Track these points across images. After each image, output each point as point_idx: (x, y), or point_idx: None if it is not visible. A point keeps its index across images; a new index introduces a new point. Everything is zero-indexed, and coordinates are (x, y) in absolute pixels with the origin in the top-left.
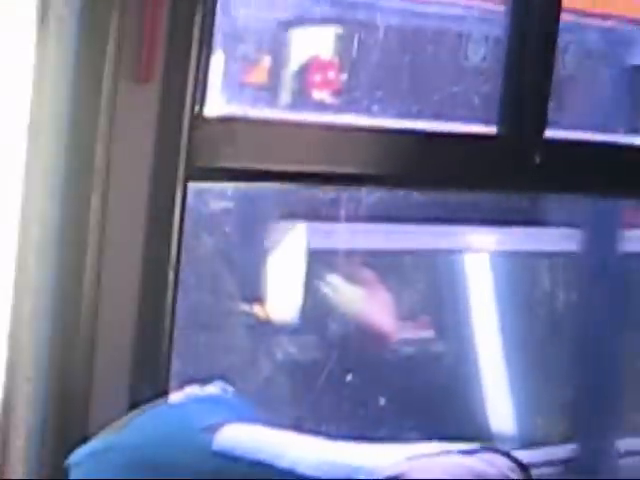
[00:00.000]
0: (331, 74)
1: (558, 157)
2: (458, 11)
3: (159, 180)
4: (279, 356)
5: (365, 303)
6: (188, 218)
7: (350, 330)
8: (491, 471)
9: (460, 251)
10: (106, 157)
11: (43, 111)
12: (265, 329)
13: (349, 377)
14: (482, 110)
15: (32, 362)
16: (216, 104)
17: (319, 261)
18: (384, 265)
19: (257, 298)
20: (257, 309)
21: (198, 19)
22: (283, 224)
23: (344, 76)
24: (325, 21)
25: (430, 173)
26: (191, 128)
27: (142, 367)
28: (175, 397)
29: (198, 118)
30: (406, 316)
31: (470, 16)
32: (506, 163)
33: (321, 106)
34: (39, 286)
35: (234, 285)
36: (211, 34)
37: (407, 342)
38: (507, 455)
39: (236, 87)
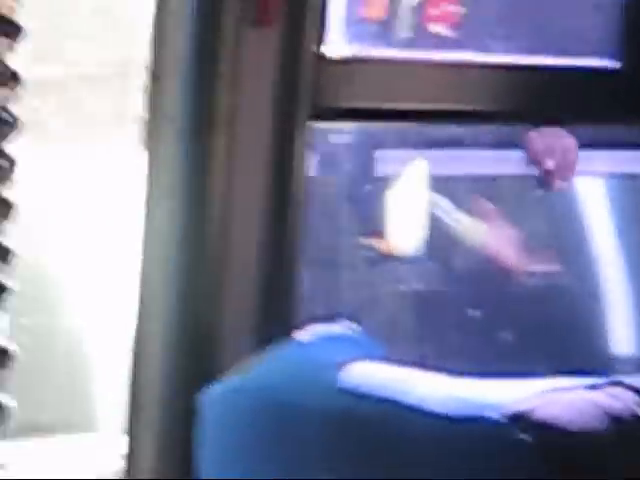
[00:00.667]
0: (451, 7)
1: None
2: None
3: (282, 120)
4: (403, 290)
5: (488, 234)
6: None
7: (475, 262)
8: (617, 405)
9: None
10: (231, 98)
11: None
12: (388, 263)
13: (475, 312)
14: (606, 44)
15: (163, 305)
16: (336, 44)
17: (441, 189)
18: (503, 191)
19: (379, 232)
20: (380, 243)
21: None
22: (403, 154)
23: (463, 9)
24: None
25: (551, 108)
26: (312, 69)
27: (268, 307)
28: (301, 337)
29: (319, 59)
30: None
31: None
32: (629, 97)
33: (440, 40)
34: (168, 235)
35: (356, 221)
36: None
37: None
38: (633, 389)
39: (355, 25)
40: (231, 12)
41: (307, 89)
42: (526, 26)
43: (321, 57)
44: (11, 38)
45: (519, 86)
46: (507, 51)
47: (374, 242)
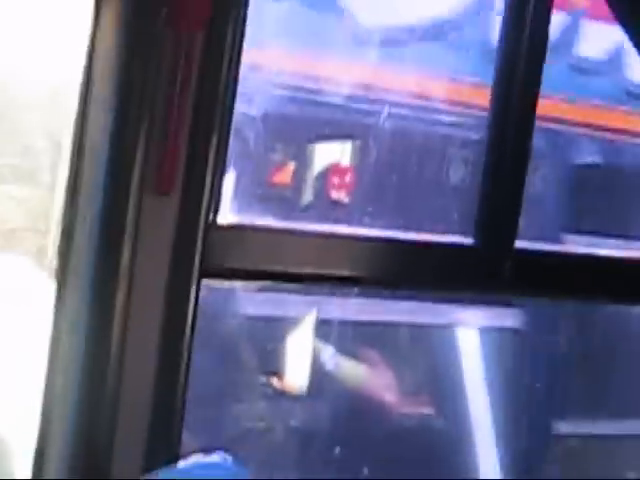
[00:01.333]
0: (347, 177)
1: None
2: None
3: (176, 279)
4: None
5: (367, 377)
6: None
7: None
8: None
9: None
10: (131, 257)
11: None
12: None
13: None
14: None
15: (63, 429)
16: (226, 212)
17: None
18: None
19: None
20: (277, 381)
21: (214, 141)
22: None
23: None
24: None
25: (414, 277)
26: (205, 234)
27: (157, 442)
28: (183, 463)
29: (212, 225)
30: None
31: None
32: (481, 270)
33: (337, 207)
34: (70, 364)
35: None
36: (225, 154)
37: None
38: None
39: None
40: (134, 180)
41: (199, 251)
42: (400, 206)
43: (213, 224)
44: None
45: (390, 256)
46: (383, 227)
47: (273, 380)
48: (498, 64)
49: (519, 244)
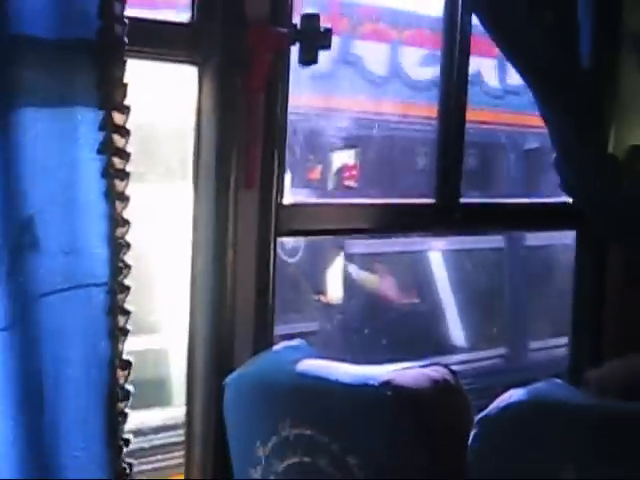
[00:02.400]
0: (354, 171)
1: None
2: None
3: (262, 238)
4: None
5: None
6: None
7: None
8: (436, 375)
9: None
10: (234, 226)
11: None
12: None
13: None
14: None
15: (206, 340)
16: (289, 196)
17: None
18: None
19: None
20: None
21: (277, 155)
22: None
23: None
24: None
25: (399, 225)
26: (277, 210)
27: (259, 335)
28: (276, 347)
29: (279, 205)
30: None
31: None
32: (440, 218)
33: (349, 189)
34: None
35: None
36: (284, 163)
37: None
38: (445, 366)
39: (300, 185)
40: (232, 181)
41: (274, 220)
42: (387, 184)
43: (280, 204)
44: None
45: (384, 214)
46: (378, 197)
47: (320, 296)
48: (441, 92)
49: (462, 200)
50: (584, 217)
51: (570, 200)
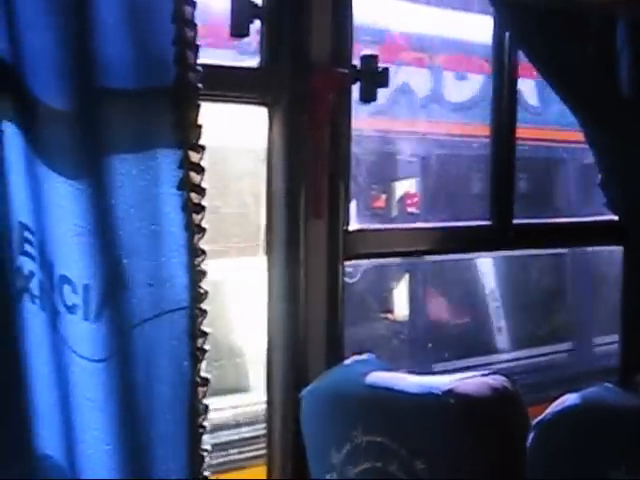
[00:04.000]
0: (415, 199)
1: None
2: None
3: (331, 263)
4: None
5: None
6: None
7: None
8: (496, 383)
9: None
10: (305, 251)
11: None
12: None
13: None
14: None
15: (282, 355)
16: (354, 224)
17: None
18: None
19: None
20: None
21: (342, 186)
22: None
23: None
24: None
25: (455, 248)
26: (343, 236)
27: (330, 351)
28: (347, 362)
29: (346, 231)
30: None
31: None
32: (495, 237)
33: (411, 216)
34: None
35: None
36: (349, 193)
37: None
38: (504, 375)
39: (365, 213)
40: (302, 211)
41: (341, 246)
42: (446, 210)
43: (347, 230)
44: None
45: (445, 236)
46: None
47: (387, 314)
48: (493, 115)
49: (515, 221)
50: (630, 234)
51: (616, 218)
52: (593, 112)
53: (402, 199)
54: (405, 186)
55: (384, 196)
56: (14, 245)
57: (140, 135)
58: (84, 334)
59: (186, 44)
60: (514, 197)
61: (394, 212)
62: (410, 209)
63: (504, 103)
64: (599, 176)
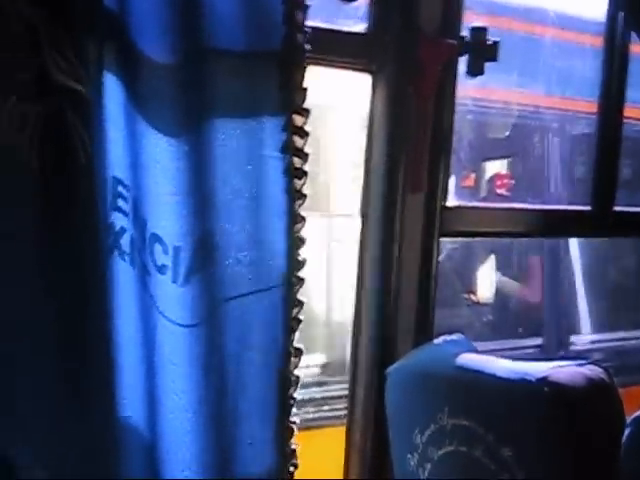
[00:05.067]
0: (506, 180)
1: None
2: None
3: (427, 238)
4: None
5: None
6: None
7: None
8: (591, 373)
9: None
10: (401, 226)
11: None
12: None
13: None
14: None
15: (370, 330)
16: (452, 199)
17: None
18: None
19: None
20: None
21: (442, 162)
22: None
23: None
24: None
25: (552, 231)
26: (441, 212)
27: (419, 328)
28: (437, 341)
29: (444, 207)
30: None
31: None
32: (595, 224)
33: (501, 197)
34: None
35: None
36: (449, 169)
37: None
38: (599, 365)
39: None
40: (400, 185)
41: (438, 221)
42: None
43: (444, 206)
44: None
45: (536, 219)
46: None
47: (471, 295)
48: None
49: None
50: None
51: None
52: None
53: (492, 179)
54: (496, 166)
55: (474, 175)
56: (108, 200)
57: (244, 96)
58: (173, 297)
59: (295, 4)
60: (617, 182)
61: (482, 192)
62: (500, 190)
63: (613, 82)
64: None
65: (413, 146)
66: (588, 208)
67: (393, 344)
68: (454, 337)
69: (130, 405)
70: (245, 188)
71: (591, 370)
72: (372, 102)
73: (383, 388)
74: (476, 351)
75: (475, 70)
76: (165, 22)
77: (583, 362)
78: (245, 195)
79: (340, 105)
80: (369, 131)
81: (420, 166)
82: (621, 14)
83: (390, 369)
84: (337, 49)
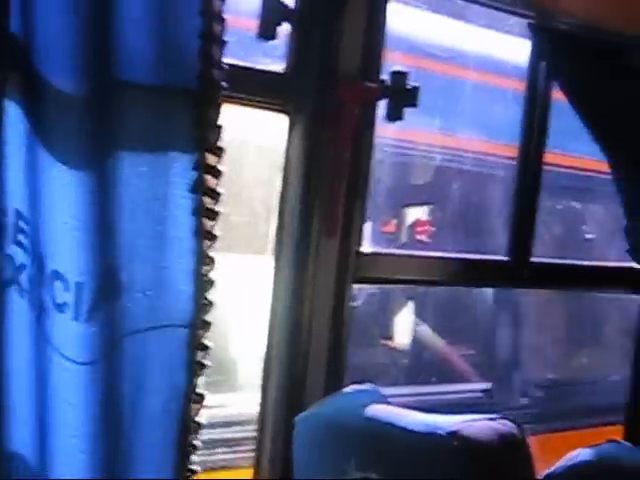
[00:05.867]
0: (427, 227)
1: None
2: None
3: (340, 284)
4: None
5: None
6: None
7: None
8: (503, 429)
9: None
10: (314, 272)
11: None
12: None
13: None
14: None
15: (279, 376)
16: (367, 246)
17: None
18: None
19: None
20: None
21: (358, 206)
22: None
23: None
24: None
25: (468, 280)
26: (355, 258)
27: (330, 376)
28: (347, 390)
29: (359, 253)
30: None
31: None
32: (511, 275)
33: (421, 244)
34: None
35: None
36: (364, 214)
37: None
38: (512, 420)
39: (376, 237)
40: (315, 229)
41: (353, 268)
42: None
43: (359, 252)
44: None
45: (455, 267)
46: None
47: (388, 342)
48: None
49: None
50: None
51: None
52: (624, 156)
53: (413, 226)
54: (416, 213)
55: (394, 221)
56: (8, 233)
57: (155, 132)
58: (72, 334)
59: (212, 39)
60: (534, 233)
61: (403, 238)
62: (420, 237)
63: (534, 131)
64: (624, 222)
65: (329, 190)
66: (505, 258)
67: (303, 392)
68: (365, 387)
69: (21, 441)
70: (151, 227)
71: (503, 425)
72: (288, 143)
73: (291, 436)
74: (387, 402)
75: (394, 115)
76: (73, 52)
77: (495, 416)
78: (150, 234)
79: (264, 144)
80: (285, 173)
81: (335, 210)
82: (543, 64)
83: (298, 418)
84: (254, 88)
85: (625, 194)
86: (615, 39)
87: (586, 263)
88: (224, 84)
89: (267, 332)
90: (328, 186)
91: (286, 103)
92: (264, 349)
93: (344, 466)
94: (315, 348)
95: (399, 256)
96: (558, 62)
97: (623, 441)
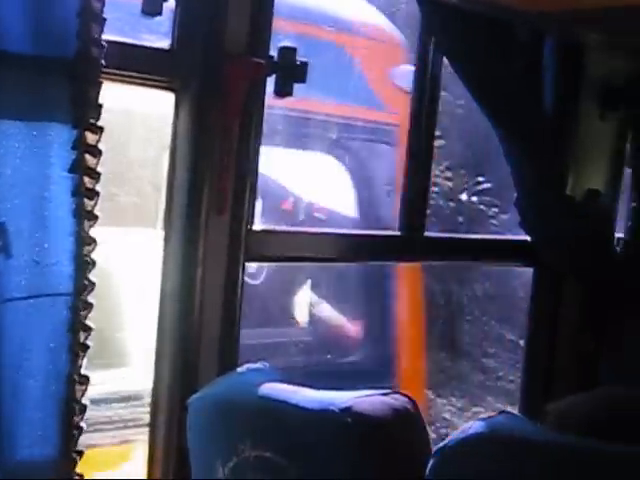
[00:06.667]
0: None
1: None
2: None
3: (231, 263)
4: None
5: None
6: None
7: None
8: (397, 404)
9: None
10: (204, 249)
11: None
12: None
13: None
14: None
15: (172, 356)
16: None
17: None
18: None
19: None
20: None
21: (249, 183)
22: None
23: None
24: None
25: (361, 256)
26: (246, 236)
27: (223, 355)
28: (240, 369)
29: (249, 231)
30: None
31: None
32: (404, 248)
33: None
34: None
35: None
36: (255, 191)
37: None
38: (405, 395)
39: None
40: (204, 206)
41: (243, 246)
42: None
43: (250, 230)
44: None
45: (352, 243)
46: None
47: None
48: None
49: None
50: (540, 255)
51: (529, 238)
52: (513, 128)
53: (310, 205)
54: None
55: (292, 199)
56: None
57: (32, 108)
58: None
59: (91, 16)
60: (427, 208)
61: (301, 216)
62: (317, 215)
63: (425, 102)
64: (514, 195)
65: (218, 167)
66: (397, 233)
67: (195, 372)
68: (259, 365)
69: None
70: (29, 207)
71: (396, 399)
72: (175, 120)
73: (185, 418)
74: (281, 380)
75: (283, 90)
76: None
77: (388, 391)
78: (29, 212)
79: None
80: (172, 150)
81: (224, 188)
82: (433, 39)
83: (192, 398)
84: (139, 65)
85: (513, 166)
86: (503, 14)
87: (479, 237)
88: (103, 62)
89: (158, 312)
90: (217, 163)
91: (173, 80)
92: (156, 329)
93: (239, 446)
94: (207, 327)
95: (291, 233)
96: (446, 36)
97: (516, 413)
